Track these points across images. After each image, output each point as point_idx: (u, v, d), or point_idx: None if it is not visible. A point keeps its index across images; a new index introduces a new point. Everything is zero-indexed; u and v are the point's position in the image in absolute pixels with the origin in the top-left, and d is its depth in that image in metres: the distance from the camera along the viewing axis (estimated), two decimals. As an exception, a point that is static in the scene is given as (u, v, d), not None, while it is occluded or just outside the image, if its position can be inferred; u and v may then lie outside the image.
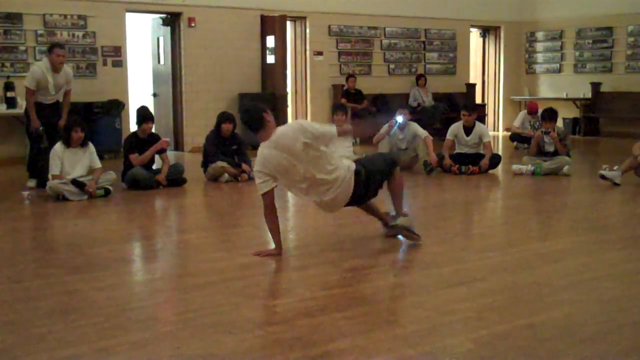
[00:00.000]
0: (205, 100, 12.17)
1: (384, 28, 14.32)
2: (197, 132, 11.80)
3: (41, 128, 8.03)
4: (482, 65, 16.52)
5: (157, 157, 8.31)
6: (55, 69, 7.92)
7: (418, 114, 12.98)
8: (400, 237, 5.26)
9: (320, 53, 13.49)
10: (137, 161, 7.98)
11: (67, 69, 8.20)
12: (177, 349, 3.18)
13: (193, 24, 12.12)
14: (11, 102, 10.05)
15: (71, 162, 7.40)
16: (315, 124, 4.96)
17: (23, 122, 9.52)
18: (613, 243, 5.34)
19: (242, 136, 8.95)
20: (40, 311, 3.72)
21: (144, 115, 8.31)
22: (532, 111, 12.06)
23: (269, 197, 4.80)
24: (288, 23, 13.02)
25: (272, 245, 4.89)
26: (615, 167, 7.95)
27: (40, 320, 3.56)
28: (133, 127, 9.09)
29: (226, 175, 8.44)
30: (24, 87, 8.13)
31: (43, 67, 7.92)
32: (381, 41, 14.35)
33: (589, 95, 14.82)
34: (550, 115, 9.00)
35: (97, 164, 7.57)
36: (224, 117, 8.67)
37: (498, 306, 3.76)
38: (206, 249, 5.30)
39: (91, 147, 7.59)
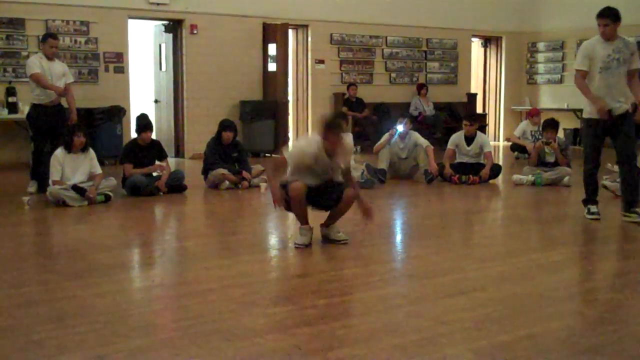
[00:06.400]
0: (207, 107, 12.17)
1: (386, 37, 14.34)
2: (198, 139, 11.79)
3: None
4: (484, 75, 16.54)
5: (157, 163, 8.29)
6: (49, 58, 8.09)
7: (419, 124, 12.99)
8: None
9: (321, 61, 13.51)
10: (129, 172, 7.98)
11: (60, 61, 8.44)
12: (176, 356, 3.17)
13: (195, 31, 12.14)
14: (13, 107, 10.07)
15: (72, 167, 7.40)
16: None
17: (25, 127, 9.55)
18: (613, 254, 5.34)
19: (243, 144, 8.94)
20: (39, 317, 3.71)
21: (143, 124, 8.37)
22: (533, 114, 11.90)
23: None
24: (290, 31, 13.05)
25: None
26: (617, 179, 7.94)
27: (39, 326, 3.55)
28: (134, 133, 9.10)
29: (227, 182, 8.44)
30: (26, 92, 8.21)
31: (38, 57, 8.13)
32: (383, 50, 14.36)
33: (590, 106, 14.78)
34: (551, 125, 9.01)
35: (98, 169, 7.58)
36: (225, 125, 8.67)
37: (498, 316, 3.75)
38: (206, 256, 5.29)
39: (92, 152, 7.59)
